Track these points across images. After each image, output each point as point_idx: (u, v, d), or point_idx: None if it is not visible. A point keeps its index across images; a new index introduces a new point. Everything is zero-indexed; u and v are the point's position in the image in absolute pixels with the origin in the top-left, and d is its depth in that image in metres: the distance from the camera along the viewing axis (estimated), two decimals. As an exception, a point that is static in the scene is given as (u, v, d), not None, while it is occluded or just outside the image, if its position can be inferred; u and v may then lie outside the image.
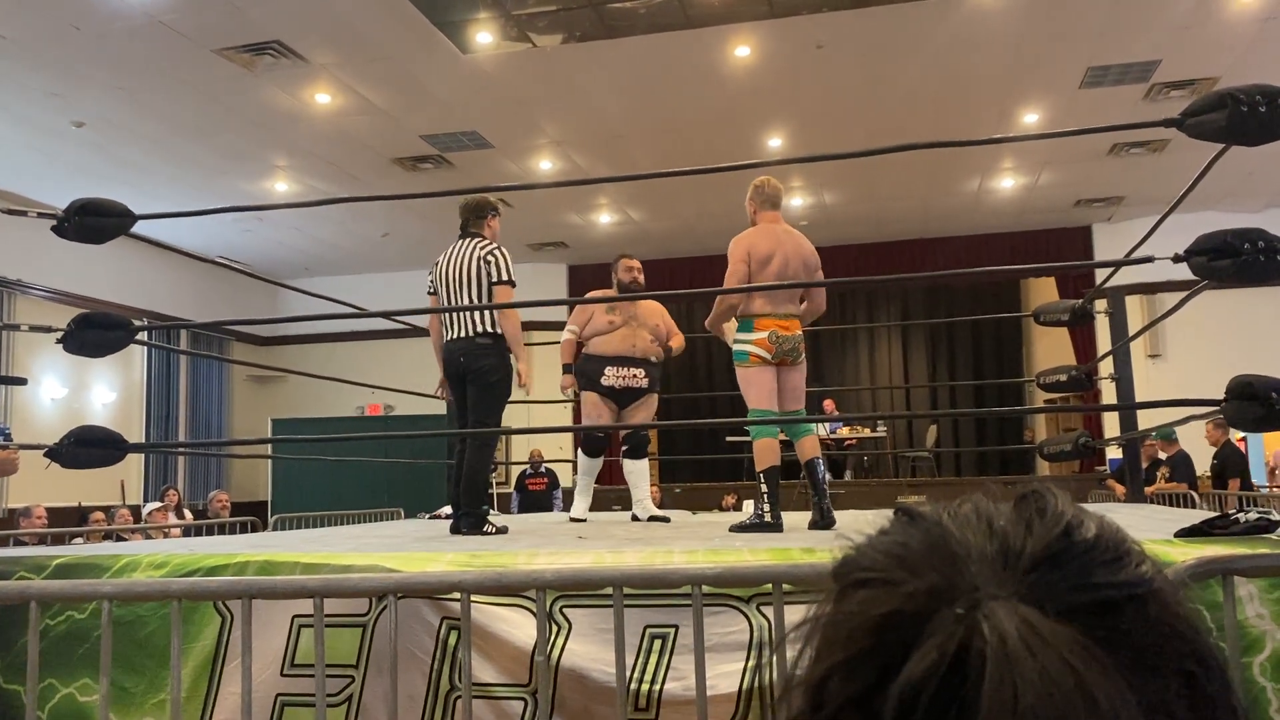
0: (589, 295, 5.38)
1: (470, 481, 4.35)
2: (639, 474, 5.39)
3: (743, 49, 7.68)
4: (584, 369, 5.16)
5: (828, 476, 4.35)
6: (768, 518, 4.05)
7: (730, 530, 4.08)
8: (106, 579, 2.62)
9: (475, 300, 4.41)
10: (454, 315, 4.46)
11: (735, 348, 4.31)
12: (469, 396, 4.47)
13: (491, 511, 4.95)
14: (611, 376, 5.10)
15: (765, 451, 4.21)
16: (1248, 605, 2.08)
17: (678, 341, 5.47)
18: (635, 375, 5.17)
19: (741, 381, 4.31)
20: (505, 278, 4.41)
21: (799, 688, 0.46)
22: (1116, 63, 7.91)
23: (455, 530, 4.38)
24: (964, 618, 0.42)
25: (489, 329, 4.38)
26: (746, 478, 12.47)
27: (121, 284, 11.15)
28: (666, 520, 5.28)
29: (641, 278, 5.39)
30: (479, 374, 4.38)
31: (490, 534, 4.18)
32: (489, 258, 4.42)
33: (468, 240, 4.55)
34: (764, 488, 4.11)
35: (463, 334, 4.43)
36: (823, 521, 4.09)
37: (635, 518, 5.34)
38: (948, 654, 0.41)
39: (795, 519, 4.67)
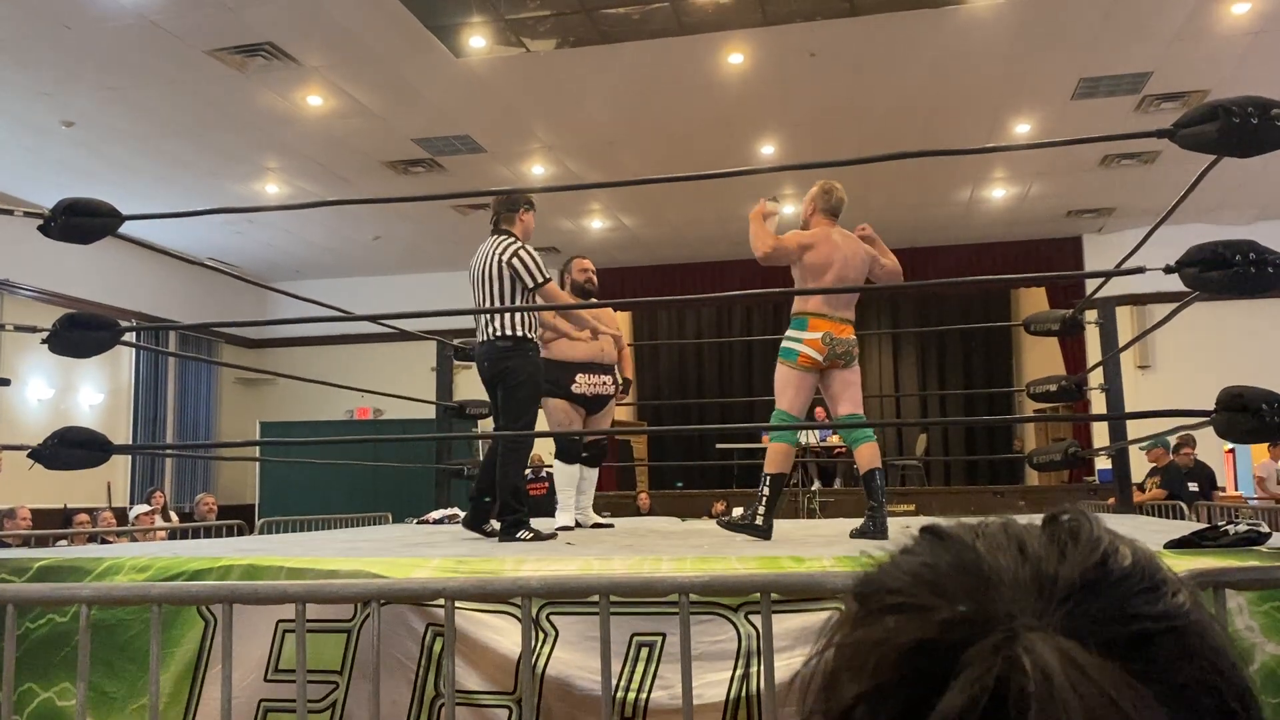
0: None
1: (501, 488, 4.20)
2: (589, 481, 5.37)
3: (736, 56, 7.68)
4: (552, 375, 4.95)
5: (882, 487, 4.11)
6: (759, 520, 3.87)
7: (719, 524, 4.00)
8: (87, 582, 2.59)
9: (499, 302, 4.25)
10: (480, 318, 4.32)
11: (784, 345, 4.09)
12: (499, 401, 4.35)
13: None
14: (584, 384, 5.04)
15: (780, 456, 4.02)
16: (1237, 617, 2.08)
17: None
18: (605, 383, 5.14)
19: (780, 380, 4.08)
20: (540, 279, 4.26)
21: (823, 715, 0.45)
22: (1108, 74, 7.94)
23: (468, 525, 4.39)
24: (1002, 649, 0.40)
25: (510, 331, 4.22)
26: (736, 485, 12.47)
27: (109, 285, 11.10)
28: (610, 526, 5.24)
29: (595, 279, 5.30)
30: (502, 377, 4.25)
31: (526, 540, 4.00)
32: (514, 261, 4.25)
33: (496, 238, 4.39)
34: (766, 491, 3.92)
35: (484, 337, 4.30)
36: (875, 530, 3.83)
37: (577, 524, 5.23)
38: (987, 687, 0.39)
39: (784, 527, 4.63)
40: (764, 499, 3.89)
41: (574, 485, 5.21)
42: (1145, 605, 0.43)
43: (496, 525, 4.27)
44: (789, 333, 4.07)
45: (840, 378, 4.10)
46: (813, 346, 4.00)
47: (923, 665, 0.41)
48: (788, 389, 4.03)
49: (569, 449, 5.18)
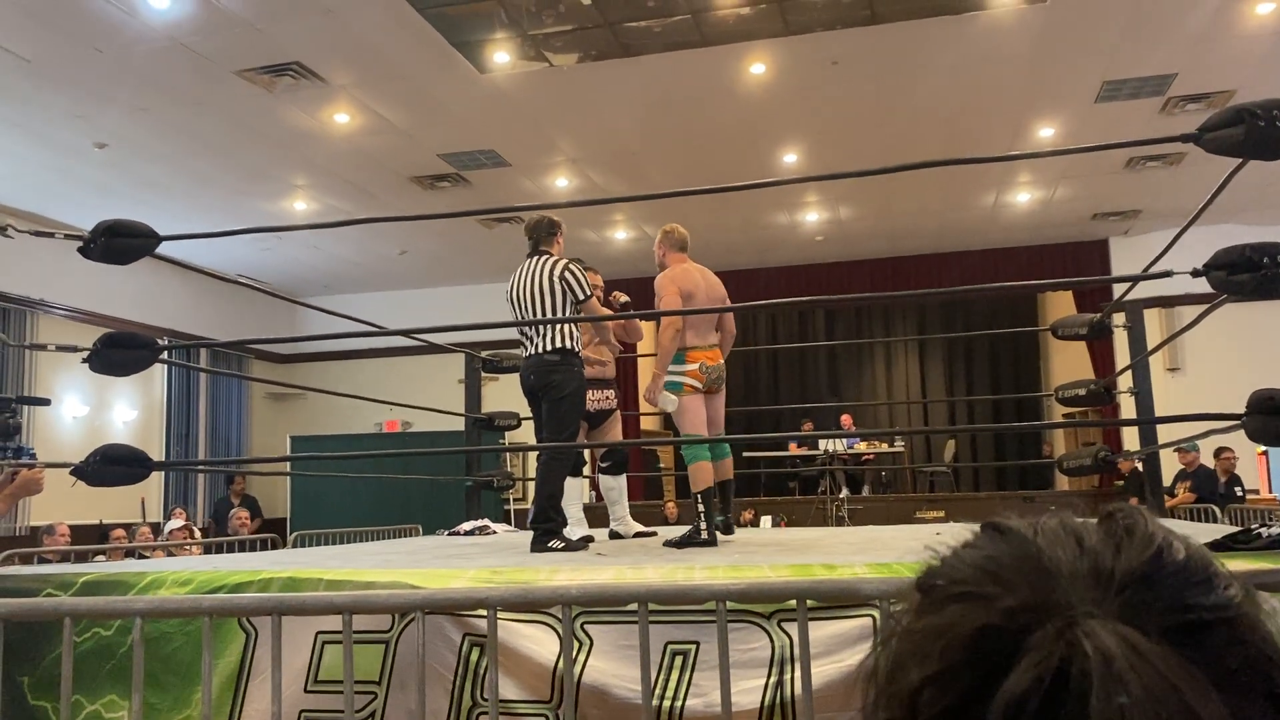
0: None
1: (537, 497, 4.29)
2: (619, 490, 5.35)
3: (758, 66, 7.71)
4: None
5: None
6: (704, 534, 4.29)
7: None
8: (136, 595, 2.65)
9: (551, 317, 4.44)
10: (526, 334, 4.44)
11: (669, 379, 4.54)
12: (542, 413, 4.45)
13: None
14: (589, 400, 5.09)
15: (702, 474, 4.46)
16: (1270, 621, 2.08)
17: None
18: (608, 397, 5.21)
19: (675, 411, 4.57)
20: (589, 293, 4.44)
21: (889, 698, 0.47)
22: (1132, 76, 7.91)
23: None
24: (1064, 634, 0.43)
25: (557, 345, 4.34)
26: (764, 493, 12.46)
27: (142, 303, 11.25)
28: (653, 534, 5.24)
29: (601, 293, 5.32)
30: (547, 390, 4.36)
31: (558, 549, 4.06)
32: (567, 274, 4.41)
33: (538, 258, 4.53)
34: (701, 507, 4.37)
35: (532, 351, 4.41)
36: (725, 530, 4.64)
37: (616, 534, 5.23)
38: (1050, 670, 0.42)
39: (812, 535, 4.69)
40: (701, 514, 4.38)
41: (579, 500, 5.23)
42: (1199, 596, 0.46)
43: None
44: (670, 368, 4.57)
45: (712, 403, 4.69)
46: (693, 377, 4.55)
47: (987, 649, 0.44)
48: (685, 415, 4.56)
49: (576, 463, 5.19)
